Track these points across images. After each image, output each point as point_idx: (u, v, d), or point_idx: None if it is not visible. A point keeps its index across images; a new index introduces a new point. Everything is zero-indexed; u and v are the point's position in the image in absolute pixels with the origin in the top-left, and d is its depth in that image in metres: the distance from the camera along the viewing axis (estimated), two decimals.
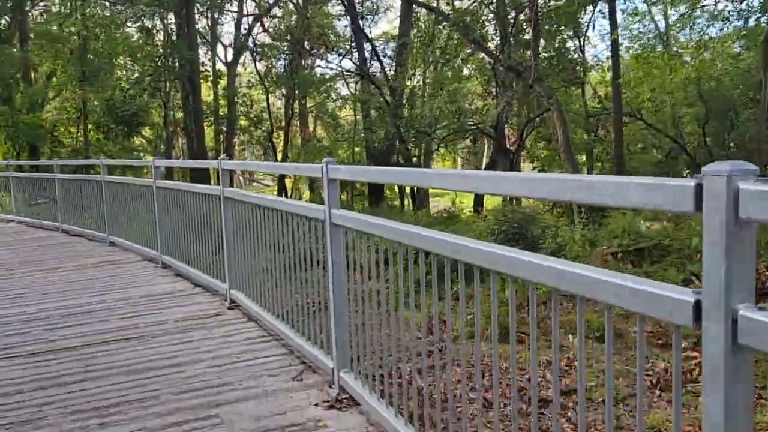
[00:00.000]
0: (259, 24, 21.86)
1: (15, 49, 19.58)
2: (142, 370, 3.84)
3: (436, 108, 12.87)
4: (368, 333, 3.14)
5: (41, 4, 26.75)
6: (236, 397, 3.41)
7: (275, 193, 22.13)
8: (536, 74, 11.25)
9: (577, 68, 18.19)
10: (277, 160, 19.69)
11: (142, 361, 4.00)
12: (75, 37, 22.15)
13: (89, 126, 17.94)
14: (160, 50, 14.67)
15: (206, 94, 21.15)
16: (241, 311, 5.09)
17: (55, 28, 21.24)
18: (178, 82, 15.70)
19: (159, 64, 14.02)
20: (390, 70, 17.05)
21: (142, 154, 29.59)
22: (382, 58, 16.82)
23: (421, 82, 19.01)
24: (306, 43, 20.51)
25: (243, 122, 20.91)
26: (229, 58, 22.49)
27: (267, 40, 22.22)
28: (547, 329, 6.18)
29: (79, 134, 20.62)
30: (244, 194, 4.85)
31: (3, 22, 21.44)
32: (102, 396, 3.47)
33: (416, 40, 17.76)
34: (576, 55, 18.72)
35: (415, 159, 18.45)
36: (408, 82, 17.17)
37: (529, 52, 12.85)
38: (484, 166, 36.78)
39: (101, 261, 7.67)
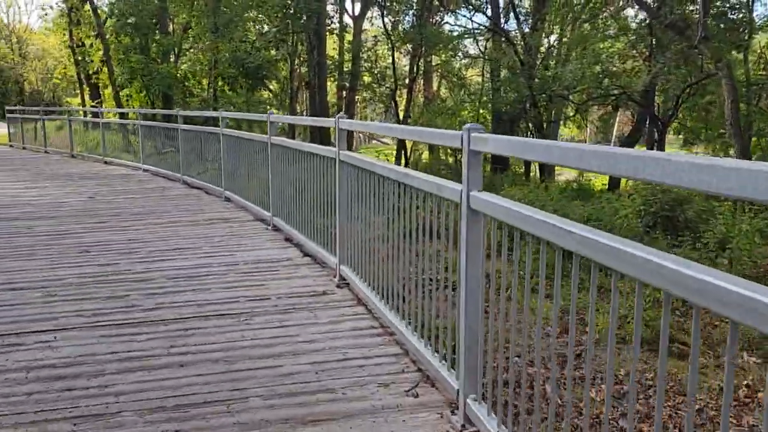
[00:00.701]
0: None
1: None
2: (234, 360, 3.32)
3: (578, 69, 11.53)
4: (508, 357, 2.37)
5: None
6: (336, 410, 2.78)
7: (394, 152, 21.55)
8: (704, 32, 9.60)
9: (742, 29, 15.87)
10: (399, 119, 19.03)
11: (236, 347, 3.49)
12: None
13: (217, 78, 18.15)
14: (288, 1, 14.32)
15: (331, 48, 20.76)
16: (351, 291, 4.48)
17: None
18: (304, 35, 15.29)
19: (285, 14, 13.66)
20: (525, 28, 15.71)
21: (267, 108, 30.13)
22: (518, 13, 15.46)
23: (557, 42, 17.45)
24: None
25: (366, 78, 20.36)
26: (356, 11, 21.95)
27: None
28: (712, 342, 5.12)
29: (209, 86, 21.08)
30: (362, 159, 4.17)
31: None
32: (187, 389, 2.97)
33: None
34: (742, 14, 16.33)
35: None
36: (544, 41, 15.74)
37: (693, 7, 11.10)
38: (614, 138, 34.14)
39: (214, 218, 7.39)
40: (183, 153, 10.33)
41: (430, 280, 3.14)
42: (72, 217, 7.36)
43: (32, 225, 6.92)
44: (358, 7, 22.12)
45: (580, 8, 16.32)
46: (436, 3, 19.69)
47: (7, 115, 19.73)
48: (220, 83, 18.11)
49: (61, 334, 3.69)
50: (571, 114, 16.38)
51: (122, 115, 15.23)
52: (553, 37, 17.70)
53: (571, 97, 13.91)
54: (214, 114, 9.26)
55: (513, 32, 15.41)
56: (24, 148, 17.90)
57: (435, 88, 26.21)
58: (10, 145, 19.05)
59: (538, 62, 14.94)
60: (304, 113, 26.37)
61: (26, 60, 56.17)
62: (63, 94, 47.57)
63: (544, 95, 13.26)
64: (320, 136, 14.75)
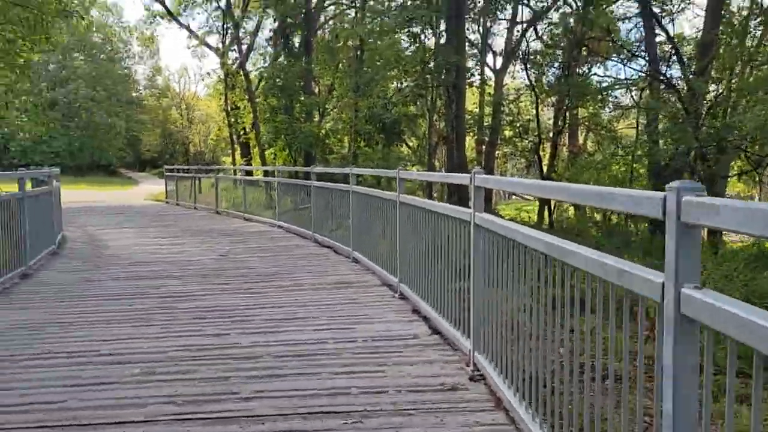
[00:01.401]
0: (532, 29, 20.32)
1: (302, 63, 20.90)
2: None
3: (761, 115, 9.86)
4: None
5: (330, 22, 28.85)
6: None
7: (535, 208, 20.30)
8: None
9: None
10: (542, 175, 17.88)
11: None
12: (352, 49, 23.08)
13: (355, 135, 18.26)
14: (426, 55, 14.05)
15: (471, 102, 20.20)
16: (488, 388, 3.58)
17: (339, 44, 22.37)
18: (443, 89, 14.90)
19: (423, 69, 13.37)
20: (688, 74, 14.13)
21: (405, 164, 30.12)
22: (681, 57, 13.96)
23: (725, 88, 15.56)
24: (584, 48, 18.41)
25: (507, 132, 19.52)
26: (498, 65, 21.38)
27: (539, 46, 20.60)
28: None
29: (349, 143, 21.38)
30: (506, 226, 3.33)
31: (296, 41, 23.25)
32: None
33: (725, 36, 14.51)
34: None
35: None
36: (711, 87, 14.05)
37: None
38: None
39: (339, 281, 6.82)
40: (315, 210, 10.06)
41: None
42: (199, 277, 7.14)
43: (159, 285, 6.75)
44: (499, 61, 21.61)
45: (753, 51, 14.48)
46: (584, 53, 18.59)
47: (166, 173, 21.16)
48: (358, 140, 18.19)
49: (143, 430, 3.14)
50: (746, 168, 14.32)
51: (265, 173, 15.59)
52: (717, 84, 15.87)
53: (748, 149, 12.10)
54: (344, 170, 8.88)
55: (675, 80, 13.90)
56: (177, 205, 18.94)
57: (581, 141, 24.72)
58: (166, 202, 20.30)
59: (704, 111, 13.28)
60: (442, 170, 25.95)
61: (192, 124, 61.77)
62: (221, 153, 51.34)
63: (713, 146, 11.62)
64: (458, 193, 14.05)
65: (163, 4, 25.07)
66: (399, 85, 17.73)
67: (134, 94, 57.85)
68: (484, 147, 20.88)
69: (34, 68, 48.87)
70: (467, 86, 16.16)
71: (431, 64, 13.87)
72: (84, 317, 5.39)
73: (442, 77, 13.81)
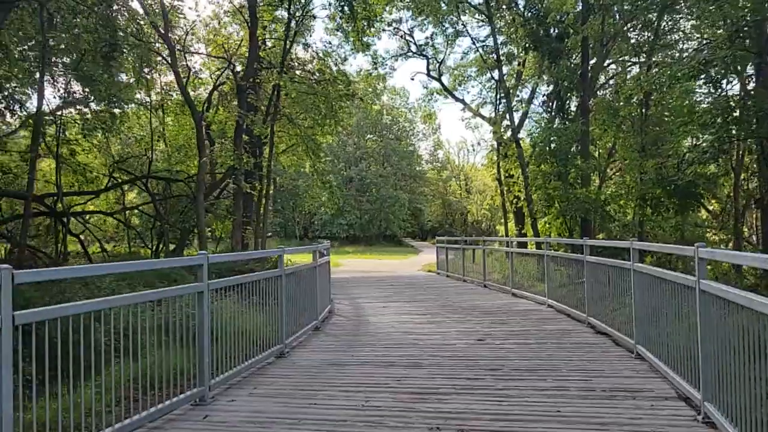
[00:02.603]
0: None
1: (578, 125, 19.55)
2: None
3: None
4: None
5: (610, 81, 27.03)
6: None
7: None
8: None
9: None
10: None
11: None
12: (635, 107, 20.97)
13: (636, 201, 16.04)
14: (730, 102, 11.59)
15: None
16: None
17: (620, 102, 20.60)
18: (755, 142, 12.07)
19: (726, 120, 11.01)
20: None
21: (705, 232, 25.96)
22: None
23: None
24: None
25: None
26: None
27: None
28: None
29: (634, 210, 19.09)
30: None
31: (572, 105, 22.07)
32: None
33: None
34: None
35: None
36: None
37: None
38: None
39: (616, 387, 5.33)
40: (589, 289, 8.57)
41: None
42: (447, 369, 6.25)
43: (402, 376, 6.02)
44: None
45: None
46: None
47: (437, 244, 21.25)
48: (645, 207, 15.94)
49: None
50: None
51: (537, 245, 14.41)
52: None
53: None
54: (622, 244, 7.33)
55: None
56: (448, 276, 18.69)
57: None
58: (438, 273, 20.25)
59: None
60: (755, 237, 21.77)
61: (470, 194, 63.50)
62: (497, 222, 51.32)
63: None
64: None
65: (439, 81, 26.06)
66: (693, 141, 15.12)
67: (417, 168, 61.70)
68: None
69: (334, 150, 55.69)
70: None
71: (736, 113, 11.38)
72: (313, 415, 4.85)
73: (753, 128, 11.20)
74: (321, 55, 20.88)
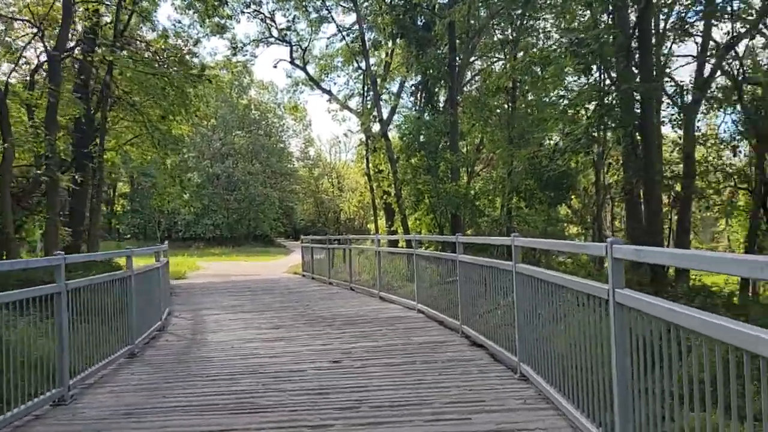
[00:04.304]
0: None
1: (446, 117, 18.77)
2: None
3: None
4: None
5: (476, 78, 26.80)
6: None
7: None
8: None
9: None
10: None
11: None
12: (503, 98, 20.67)
13: (511, 193, 15.43)
14: (603, 86, 11.04)
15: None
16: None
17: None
18: (622, 132, 11.63)
19: (601, 106, 10.44)
20: None
21: (566, 228, 26.45)
22: None
23: None
24: None
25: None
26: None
27: None
28: None
29: (502, 204, 18.67)
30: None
31: (441, 98, 21.35)
32: None
33: None
34: None
35: None
36: None
37: None
38: None
39: (501, 430, 4.09)
40: (463, 293, 7.42)
41: None
42: (287, 412, 4.74)
43: (228, 426, 4.43)
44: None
45: None
46: None
47: (302, 244, 19.69)
48: (515, 200, 15.38)
49: None
50: None
51: (408, 243, 13.28)
52: None
53: None
54: (502, 240, 6.20)
55: None
56: (314, 279, 17.19)
57: None
58: (303, 275, 18.69)
59: None
60: (619, 234, 22.34)
61: (342, 192, 62.38)
62: (369, 220, 50.61)
63: None
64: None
65: (304, 69, 24.48)
66: (565, 129, 14.70)
67: (288, 166, 59.60)
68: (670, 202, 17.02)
69: (198, 146, 52.25)
70: (660, 123, 12.63)
71: (609, 99, 10.87)
72: None
73: (619, 114, 10.68)
74: (169, 33, 18.58)
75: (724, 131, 13.65)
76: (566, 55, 10.96)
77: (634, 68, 11.70)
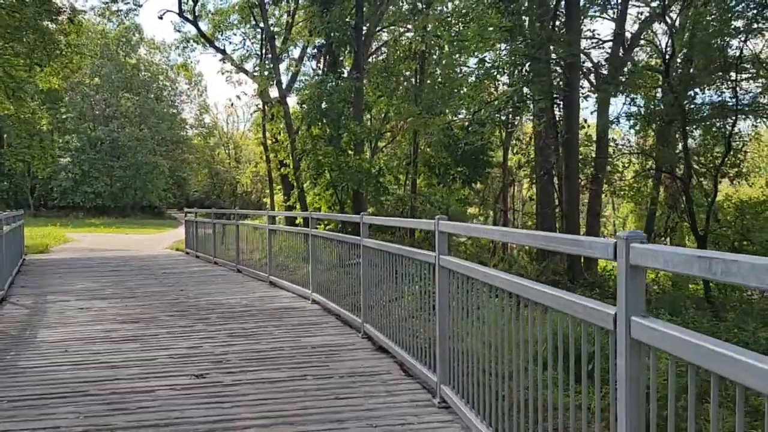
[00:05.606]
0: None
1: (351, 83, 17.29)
2: None
3: None
4: None
5: (383, 48, 25.43)
6: None
7: None
8: None
9: None
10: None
11: None
12: (411, 70, 19.53)
13: (421, 168, 14.25)
14: (523, 59, 10.00)
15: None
16: None
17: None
18: (545, 104, 10.63)
19: (520, 77, 9.43)
20: None
21: (467, 208, 25.88)
22: None
23: None
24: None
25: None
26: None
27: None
28: None
29: (405, 180, 17.55)
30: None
31: (346, 65, 19.81)
32: None
33: None
34: None
35: None
36: None
37: None
38: None
39: None
40: (365, 287, 6.09)
41: None
42: None
43: None
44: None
45: None
46: None
47: (186, 219, 17.66)
48: (421, 177, 14.22)
49: None
50: None
51: (305, 221, 11.77)
52: None
53: None
54: (425, 224, 4.90)
55: None
56: (197, 257, 15.31)
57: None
58: (186, 252, 16.70)
59: None
60: (512, 214, 21.90)
61: (239, 163, 59.45)
62: (265, 195, 48.31)
63: None
64: None
65: (194, 24, 22.04)
66: (487, 97, 13.55)
67: (181, 134, 55.81)
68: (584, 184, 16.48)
69: (78, 106, 47.59)
70: (583, 97, 11.79)
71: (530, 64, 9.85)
72: None
73: (541, 81, 9.67)
74: None
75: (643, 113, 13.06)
76: (491, 10, 9.81)
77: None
